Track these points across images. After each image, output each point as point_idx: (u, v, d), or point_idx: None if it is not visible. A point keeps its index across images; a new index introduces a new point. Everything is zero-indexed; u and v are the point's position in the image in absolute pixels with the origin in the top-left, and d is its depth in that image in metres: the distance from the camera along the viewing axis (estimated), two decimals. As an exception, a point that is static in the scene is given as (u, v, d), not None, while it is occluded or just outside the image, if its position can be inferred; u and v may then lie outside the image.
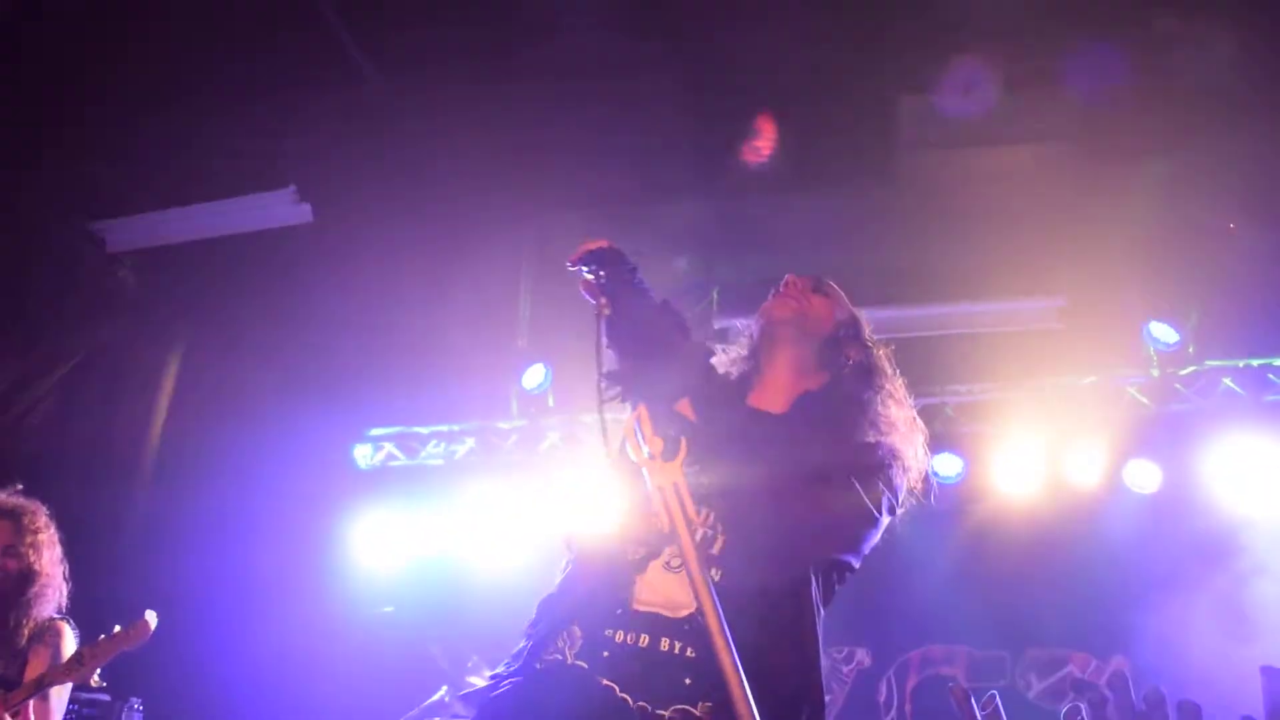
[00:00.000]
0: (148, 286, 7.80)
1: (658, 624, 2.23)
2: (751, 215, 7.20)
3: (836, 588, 2.44)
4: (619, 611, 2.27)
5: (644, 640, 2.23)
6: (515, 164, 6.80)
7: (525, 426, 8.13)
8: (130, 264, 7.69)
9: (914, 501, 2.56)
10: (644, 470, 2.05)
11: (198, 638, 6.58)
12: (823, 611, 2.36)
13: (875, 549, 2.48)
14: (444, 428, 8.32)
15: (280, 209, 7.16)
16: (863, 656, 7.53)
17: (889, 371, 2.66)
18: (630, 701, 2.19)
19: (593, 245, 2.39)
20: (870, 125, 6.31)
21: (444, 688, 6.24)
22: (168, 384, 8.07)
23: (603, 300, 2.35)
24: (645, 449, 2.06)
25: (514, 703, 2.27)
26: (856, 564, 2.44)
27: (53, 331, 7.38)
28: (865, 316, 2.73)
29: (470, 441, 8.27)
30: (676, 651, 2.21)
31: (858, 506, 2.34)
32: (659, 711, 2.18)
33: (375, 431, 8.44)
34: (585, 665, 2.24)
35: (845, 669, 7.54)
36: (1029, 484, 7.21)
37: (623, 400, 2.23)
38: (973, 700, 5.27)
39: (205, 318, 8.01)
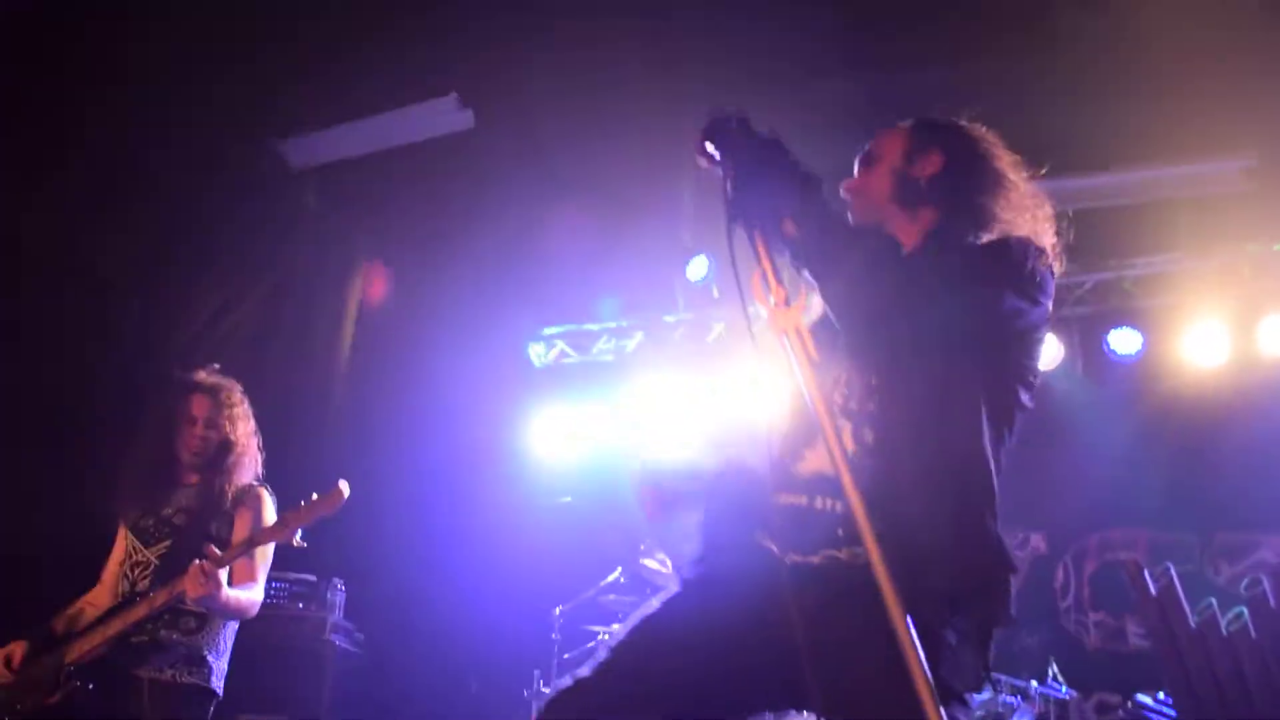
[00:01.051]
0: (327, 202, 8.20)
1: (816, 483, 2.29)
2: (905, 89, 6.97)
3: (1006, 432, 2.31)
4: (787, 479, 2.35)
5: (803, 500, 2.30)
6: (672, 52, 6.78)
7: (691, 319, 8.23)
8: (313, 181, 8.09)
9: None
10: (768, 317, 2.08)
11: (389, 524, 7.06)
12: (992, 461, 2.24)
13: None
14: (613, 324, 8.52)
15: (444, 117, 7.36)
16: (1038, 541, 7.39)
17: (990, 152, 2.49)
18: (783, 556, 2.26)
19: (704, 134, 2.29)
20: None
21: (618, 569, 6.53)
22: (354, 294, 8.52)
23: (726, 166, 2.24)
24: (770, 299, 2.10)
25: (700, 579, 2.40)
26: (1021, 391, 2.33)
27: (248, 252, 7.85)
28: (941, 115, 2.56)
29: (639, 335, 8.45)
30: (829, 507, 2.26)
31: (986, 305, 2.24)
32: (809, 559, 2.24)
33: (548, 330, 8.71)
34: (757, 535, 2.35)
35: (1020, 554, 7.43)
36: (1216, 358, 6.86)
37: (735, 224, 2.16)
38: (1147, 575, 5.15)
39: (382, 229, 8.37)
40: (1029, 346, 2.35)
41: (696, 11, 6.53)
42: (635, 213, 7.72)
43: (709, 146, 2.26)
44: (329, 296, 8.43)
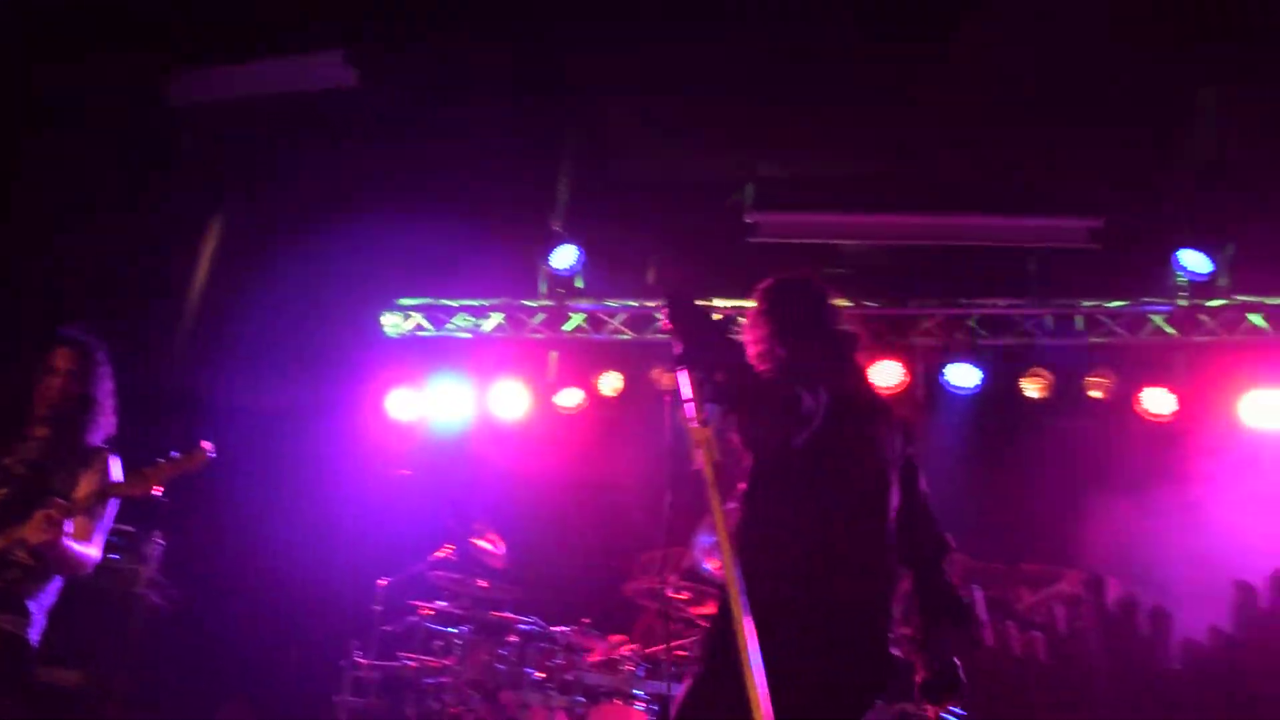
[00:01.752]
0: (201, 144, 7.94)
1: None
2: (794, 115, 7.15)
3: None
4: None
5: None
6: (564, 44, 6.82)
7: (552, 307, 8.26)
8: (189, 120, 7.81)
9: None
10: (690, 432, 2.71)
11: (220, 480, 6.83)
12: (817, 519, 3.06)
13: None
14: (472, 302, 8.45)
15: (328, 71, 7.23)
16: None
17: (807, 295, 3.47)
18: None
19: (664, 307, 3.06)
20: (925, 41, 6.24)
21: (449, 546, 6.49)
22: (211, 239, 8.26)
23: (678, 329, 3.00)
24: (694, 419, 2.76)
25: None
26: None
27: (116, 188, 7.53)
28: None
29: (497, 317, 8.41)
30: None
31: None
32: None
33: (404, 301, 8.55)
34: None
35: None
36: (1046, 399, 7.26)
37: (679, 369, 2.88)
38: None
39: (250, 176, 8.14)
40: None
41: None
42: (508, 193, 7.73)
43: (666, 315, 3.06)
44: (186, 241, 8.16)
